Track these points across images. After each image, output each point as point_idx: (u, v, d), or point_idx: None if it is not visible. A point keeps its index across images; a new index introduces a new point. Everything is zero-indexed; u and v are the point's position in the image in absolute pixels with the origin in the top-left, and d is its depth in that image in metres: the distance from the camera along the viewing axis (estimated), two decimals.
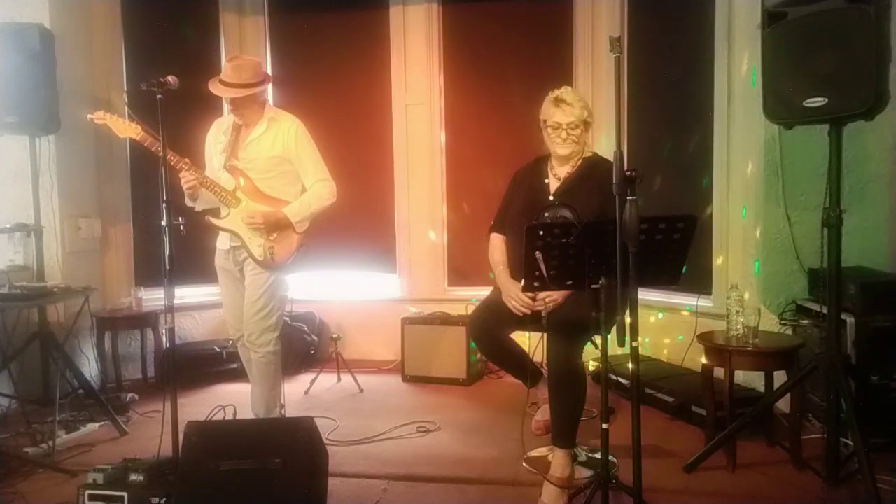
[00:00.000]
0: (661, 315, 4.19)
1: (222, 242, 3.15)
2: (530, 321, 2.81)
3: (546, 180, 2.93)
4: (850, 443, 2.55)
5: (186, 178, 2.92)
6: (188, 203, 3.06)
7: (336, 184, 3.13)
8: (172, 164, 2.87)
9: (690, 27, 3.99)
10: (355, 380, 4.15)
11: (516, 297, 2.75)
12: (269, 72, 4.89)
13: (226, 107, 3.15)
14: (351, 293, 4.93)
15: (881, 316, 2.84)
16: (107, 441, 3.26)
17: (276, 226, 2.99)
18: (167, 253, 2.46)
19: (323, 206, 3.09)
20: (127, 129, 2.90)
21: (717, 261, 3.83)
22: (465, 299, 4.35)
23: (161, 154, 2.57)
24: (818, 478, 2.59)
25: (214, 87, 2.96)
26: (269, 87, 4.78)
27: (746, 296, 3.24)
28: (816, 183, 3.04)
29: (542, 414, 3.13)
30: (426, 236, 4.84)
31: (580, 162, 2.88)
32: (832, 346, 2.52)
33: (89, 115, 2.93)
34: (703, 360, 2.88)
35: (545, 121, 2.86)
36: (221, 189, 2.99)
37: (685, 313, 3.95)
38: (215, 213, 3.08)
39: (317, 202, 3.07)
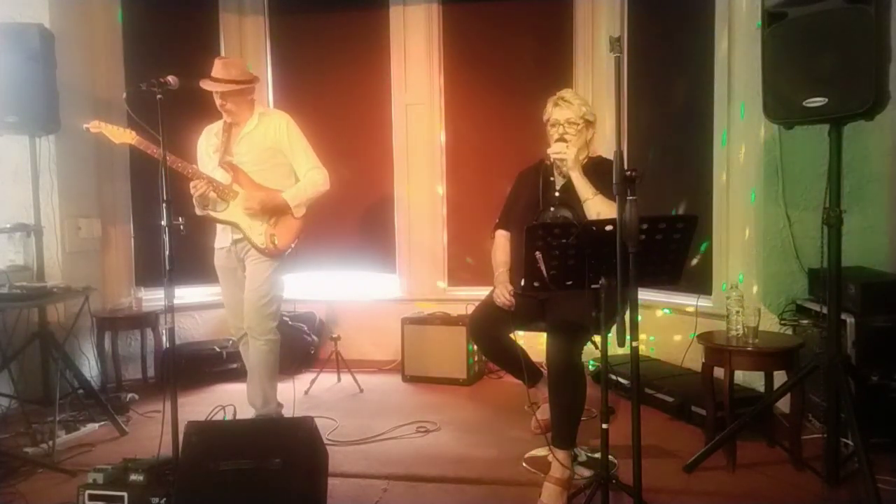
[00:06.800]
0: (662, 314, 4.19)
1: (221, 241, 3.17)
2: (529, 319, 2.83)
3: (551, 178, 2.94)
4: (850, 443, 2.55)
5: (196, 185, 2.98)
6: (199, 212, 3.10)
7: (336, 184, 3.18)
8: (178, 169, 2.94)
9: (690, 27, 3.99)
10: (355, 380, 4.15)
11: (501, 292, 2.82)
12: (269, 72, 4.92)
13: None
14: (351, 293, 4.93)
15: (881, 316, 2.84)
16: (107, 441, 3.26)
17: (274, 210, 3.07)
18: (167, 253, 2.46)
19: (318, 193, 3.17)
20: (123, 135, 2.95)
21: (717, 261, 3.83)
22: (465, 299, 4.35)
23: (159, 158, 2.57)
24: (818, 478, 2.59)
25: (205, 84, 3.03)
26: (267, 89, 4.87)
27: (744, 291, 3.24)
28: (816, 183, 3.05)
29: (542, 414, 3.12)
30: (426, 236, 4.84)
31: (585, 161, 2.88)
32: (832, 346, 2.52)
33: (85, 125, 2.97)
34: (703, 359, 2.88)
35: (547, 120, 2.90)
36: (218, 184, 3.05)
37: (683, 313, 3.95)
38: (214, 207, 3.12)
39: (312, 188, 3.15)
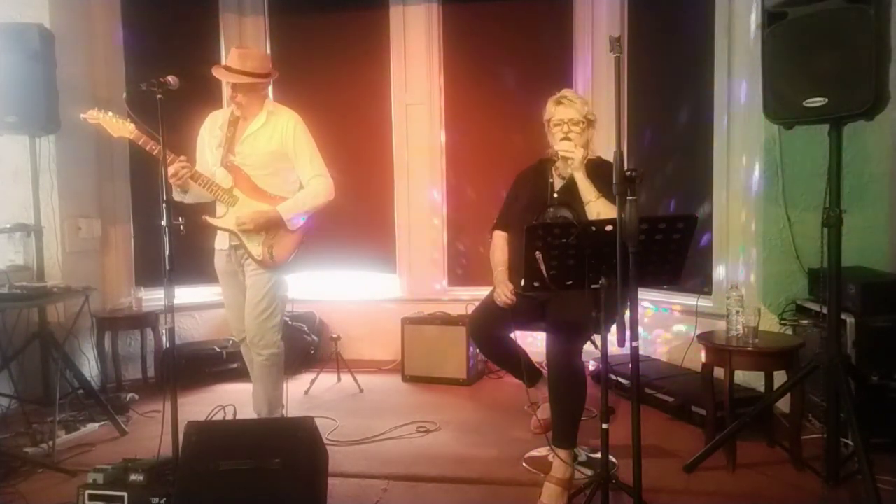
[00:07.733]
0: (660, 314, 4.19)
1: (221, 243, 3.10)
2: (529, 319, 2.82)
3: (550, 180, 2.94)
4: (850, 443, 2.55)
5: (175, 169, 2.80)
6: (176, 197, 2.93)
7: (336, 184, 3.10)
8: (156, 154, 2.74)
9: (690, 27, 3.99)
10: (355, 380, 4.15)
11: (502, 291, 2.80)
12: None
13: (225, 100, 3.10)
14: (351, 293, 4.93)
15: (881, 316, 2.84)
16: (107, 441, 3.26)
17: (265, 225, 2.93)
18: (167, 253, 2.45)
19: (318, 204, 3.03)
20: (121, 128, 2.84)
21: (717, 261, 3.83)
22: (465, 299, 4.35)
23: (157, 153, 2.56)
24: (818, 478, 2.59)
25: (217, 72, 2.92)
26: (268, 89, 4.85)
27: (744, 291, 3.24)
28: (816, 183, 3.04)
29: (542, 413, 3.12)
30: (426, 236, 4.84)
31: (585, 162, 2.88)
32: (832, 346, 2.52)
33: (82, 115, 2.89)
34: (703, 359, 2.88)
35: (549, 120, 2.88)
36: (218, 187, 2.94)
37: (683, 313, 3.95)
38: (211, 211, 3.04)
39: (312, 200, 3.01)
